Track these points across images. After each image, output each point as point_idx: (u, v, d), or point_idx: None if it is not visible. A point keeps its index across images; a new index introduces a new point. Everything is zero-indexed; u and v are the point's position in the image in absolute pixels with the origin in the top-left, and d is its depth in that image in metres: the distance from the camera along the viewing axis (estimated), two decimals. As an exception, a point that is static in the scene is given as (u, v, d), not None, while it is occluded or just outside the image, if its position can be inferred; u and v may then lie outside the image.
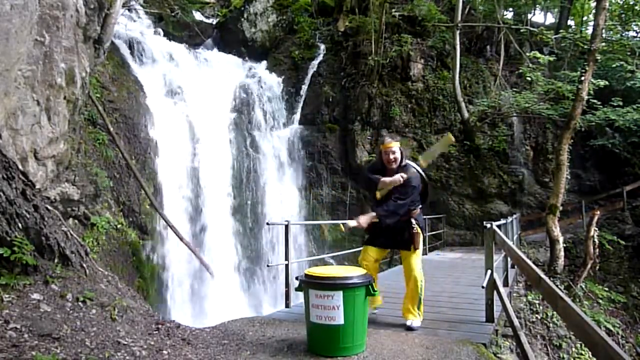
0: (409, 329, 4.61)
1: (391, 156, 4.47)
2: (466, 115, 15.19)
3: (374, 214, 4.46)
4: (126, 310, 4.16)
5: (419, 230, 4.59)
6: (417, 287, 4.59)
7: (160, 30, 15.85)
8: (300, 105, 16.13)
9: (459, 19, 15.48)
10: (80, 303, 3.89)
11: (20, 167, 4.94)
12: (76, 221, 8.38)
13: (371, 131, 15.57)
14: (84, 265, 4.46)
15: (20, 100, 5.51)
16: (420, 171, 4.64)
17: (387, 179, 4.46)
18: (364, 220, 4.43)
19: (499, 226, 5.54)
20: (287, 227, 5.84)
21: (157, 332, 4.09)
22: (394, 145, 4.49)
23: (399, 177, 4.42)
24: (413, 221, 4.57)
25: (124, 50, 12.64)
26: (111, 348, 3.44)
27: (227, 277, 11.11)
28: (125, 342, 3.61)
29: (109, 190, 9.56)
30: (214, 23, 18.95)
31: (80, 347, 3.31)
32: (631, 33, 17.65)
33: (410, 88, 15.89)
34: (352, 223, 4.45)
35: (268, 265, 10.97)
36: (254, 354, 3.77)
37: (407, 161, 4.60)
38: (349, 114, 15.77)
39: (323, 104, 15.95)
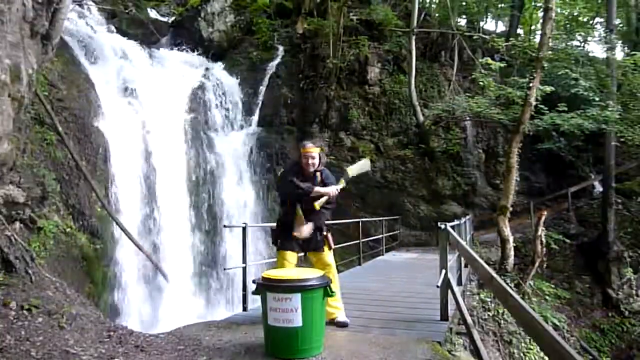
0: (344, 325, 4.73)
1: (310, 160, 4.58)
2: (421, 118, 15.55)
3: (311, 224, 4.55)
4: (75, 318, 4.00)
5: (327, 232, 4.80)
6: (337, 281, 4.80)
7: (113, 27, 15.35)
8: (259, 106, 16.02)
9: (415, 24, 15.86)
10: (25, 311, 3.71)
11: (-41, 168, 4.66)
12: (21, 225, 7.96)
13: (329, 133, 15.68)
14: (30, 271, 4.26)
15: (-41, 98, 5.20)
16: (331, 176, 4.80)
17: (321, 189, 4.54)
18: (307, 231, 4.54)
19: (452, 227, 5.69)
20: (244, 229, 5.79)
21: (108, 339, 3.95)
22: (314, 151, 4.61)
23: (334, 190, 4.59)
24: (321, 225, 4.74)
25: (75, 47, 12.15)
26: (59, 357, 3.30)
27: (183, 281, 10.87)
28: (75, 351, 3.47)
29: (57, 192, 9.16)
30: (170, 21, 18.55)
31: (25, 358, 3.16)
32: (575, 42, 18.58)
33: (368, 91, 16.12)
34: (303, 232, 4.53)
35: (225, 269, 10.82)
36: (211, 359, 3.71)
37: (322, 167, 4.75)
38: (307, 116, 15.82)
39: (281, 105, 15.91)
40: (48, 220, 8.55)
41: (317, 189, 4.53)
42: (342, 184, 4.71)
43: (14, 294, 3.86)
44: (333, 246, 4.81)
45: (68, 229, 9.02)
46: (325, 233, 4.76)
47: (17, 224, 7.79)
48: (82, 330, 3.90)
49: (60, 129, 9.29)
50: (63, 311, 3.94)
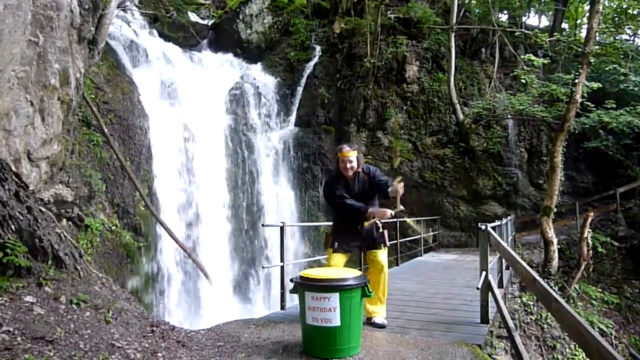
0: (382, 326, 4.70)
1: (348, 165, 4.58)
2: (461, 117, 15.25)
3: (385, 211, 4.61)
4: (120, 313, 4.13)
5: (384, 229, 4.79)
6: (386, 281, 4.78)
7: (155, 31, 15.80)
8: (296, 106, 16.12)
9: (454, 21, 15.55)
10: (74, 305, 3.86)
11: (13, 168, 4.91)
12: (70, 223, 8.33)
13: (367, 133, 15.60)
14: (78, 267, 4.44)
15: (13, 101, 5.48)
16: (378, 172, 4.81)
17: (376, 211, 4.60)
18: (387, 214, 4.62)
19: (493, 228, 5.55)
20: (282, 228, 5.83)
21: (151, 334, 4.07)
22: (352, 154, 4.60)
23: (389, 214, 4.61)
24: (378, 222, 4.73)
25: (119, 51, 12.59)
26: (105, 351, 3.42)
27: (222, 279, 11.08)
28: (120, 345, 3.59)
29: (103, 191, 9.51)
30: (209, 24, 18.92)
31: (74, 350, 3.29)
32: (624, 36, 17.77)
33: (406, 90, 15.94)
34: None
35: (263, 267, 10.96)
36: (249, 356, 3.76)
37: (365, 164, 4.77)
38: (345, 115, 15.78)
39: (318, 105, 15.95)
40: (95, 219, 8.89)
41: (372, 210, 4.57)
42: (396, 209, 4.63)
43: (64, 288, 4.02)
44: (387, 245, 4.80)
45: (113, 227, 9.35)
46: (381, 230, 4.76)
47: (66, 222, 8.15)
48: (127, 325, 4.03)
49: (106, 130, 9.64)
50: (109, 306, 4.08)
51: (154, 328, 4.22)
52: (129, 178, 9.94)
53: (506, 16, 22.61)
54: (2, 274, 3.70)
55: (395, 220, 10.95)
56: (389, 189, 4.51)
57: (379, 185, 4.63)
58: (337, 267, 4.56)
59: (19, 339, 3.18)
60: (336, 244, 4.72)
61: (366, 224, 4.57)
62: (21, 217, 3.99)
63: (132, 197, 10.14)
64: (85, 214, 8.71)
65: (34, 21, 5.64)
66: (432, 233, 14.51)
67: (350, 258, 4.91)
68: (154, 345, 3.83)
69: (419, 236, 12.58)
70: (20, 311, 3.49)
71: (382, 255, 4.70)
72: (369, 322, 4.73)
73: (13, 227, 3.89)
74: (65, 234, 4.65)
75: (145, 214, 10.29)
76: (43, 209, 4.56)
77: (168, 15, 16.05)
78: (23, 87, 5.60)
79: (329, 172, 5.35)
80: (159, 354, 3.64)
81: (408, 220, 5.04)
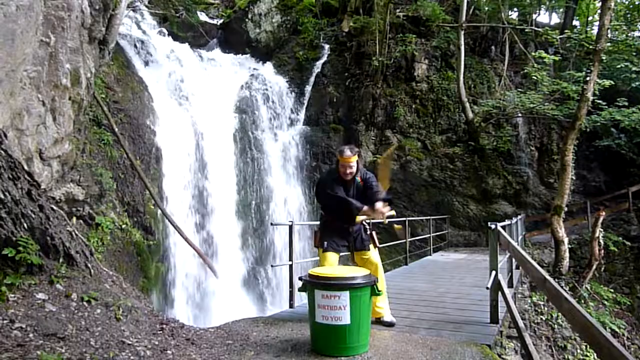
0: (390, 324, 4.72)
1: (348, 170, 4.55)
2: (470, 115, 15.16)
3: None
4: (130, 310, 4.16)
5: (371, 230, 4.83)
6: (383, 280, 4.78)
7: (164, 30, 15.89)
8: (305, 105, 16.13)
9: (464, 19, 15.45)
10: (85, 303, 3.90)
11: (25, 167, 4.96)
12: (81, 221, 8.41)
13: (375, 131, 15.57)
14: (89, 265, 4.47)
15: (25, 101, 5.54)
16: (374, 178, 4.77)
17: (372, 210, 4.43)
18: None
19: (503, 227, 5.51)
20: (291, 227, 5.84)
21: (161, 332, 4.09)
22: (353, 160, 4.54)
23: (384, 214, 4.48)
24: (365, 223, 4.78)
25: (129, 51, 12.67)
26: (115, 348, 3.45)
27: (232, 278, 11.12)
28: (130, 342, 3.62)
29: (113, 190, 9.58)
30: (219, 24, 19.00)
31: (85, 347, 3.32)
32: (636, 33, 17.57)
33: (415, 88, 15.88)
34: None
35: (272, 266, 10.97)
36: (258, 354, 3.77)
37: (362, 169, 4.75)
38: (353, 114, 15.76)
39: (327, 104, 15.94)
40: (105, 217, 8.97)
41: (366, 208, 4.47)
42: (392, 212, 4.59)
43: (75, 286, 4.06)
44: (377, 244, 4.80)
45: (124, 226, 9.42)
46: (369, 232, 4.77)
47: (77, 220, 8.23)
48: (137, 323, 4.05)
49: (116, 129, 9.71)
50: (119, 304, 4.11)
51: (164, 326, 4.25)
52: (139, 177, 10.00)
53: (516, 14, 22.45)
54: (14, 271, 3.74)
55: (404, 219, 10.91)
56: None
57: (370, 190, 4.61)
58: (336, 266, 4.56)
59: (31, 335, 3.21)
60: (326, 243, 4.68)
61: (358, 219, 4.53)
62: (33, 216, 4.03)
63: (142, 196, 10.21)
64: (96, 213, 8.79)
65: (45, 22, 5.70)
66: (438, 232, 14.46)
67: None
68: (164, 342, 3.85)
69: (428, 235, 12.53)
70: (32, 308, 3.53)
71: (373, 254, 4.72)
72: (378, 321, 4.73)
73: (25, 225, 3.93)
74: (76, 232, 4.69)
75: (155, 213, 10.35)
76: (54, 208, 4.60)
77: (177, 15, 16.15)
78: (35, 86, 5.66)
79: (326, 171, 5.31)
80: (169, 352, 3.66)
81: (396, 226, 4.99)
